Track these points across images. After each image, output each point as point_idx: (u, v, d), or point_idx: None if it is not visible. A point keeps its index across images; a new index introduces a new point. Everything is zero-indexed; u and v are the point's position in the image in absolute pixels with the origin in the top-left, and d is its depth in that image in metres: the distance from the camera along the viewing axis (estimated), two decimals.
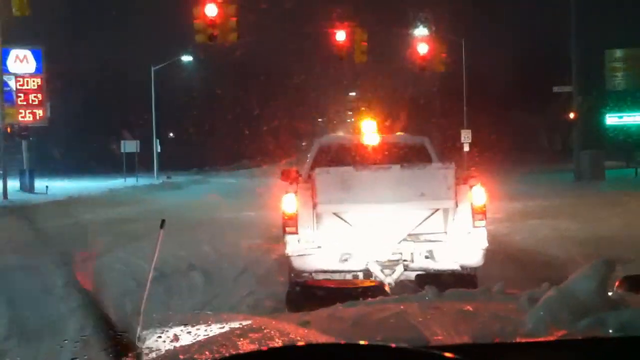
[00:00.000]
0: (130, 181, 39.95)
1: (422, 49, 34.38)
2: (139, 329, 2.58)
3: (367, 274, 7.98)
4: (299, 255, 8.04)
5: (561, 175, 34.44)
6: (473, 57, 41.89)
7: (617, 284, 3.12)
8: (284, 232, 8.17)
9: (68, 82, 45.79)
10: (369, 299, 3.57)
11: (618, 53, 43.96)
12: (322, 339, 2.49)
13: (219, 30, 22.17)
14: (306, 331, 2.64)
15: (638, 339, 2.30)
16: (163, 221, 3.17)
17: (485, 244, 8.08)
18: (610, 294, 2.84)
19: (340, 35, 28.82)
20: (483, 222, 8.08)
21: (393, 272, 7.87)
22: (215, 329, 2.74)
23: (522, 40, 47.96)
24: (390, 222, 7.98)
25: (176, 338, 2.57)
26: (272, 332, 2.64)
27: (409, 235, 8.05)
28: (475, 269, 8.12)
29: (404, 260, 7.95)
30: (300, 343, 2.40)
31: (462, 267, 8.03)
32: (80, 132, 51.07)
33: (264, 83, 58.26)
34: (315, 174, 8.04)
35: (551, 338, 2.34)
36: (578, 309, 2.51)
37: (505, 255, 11.31)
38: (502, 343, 2.36)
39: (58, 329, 7.81)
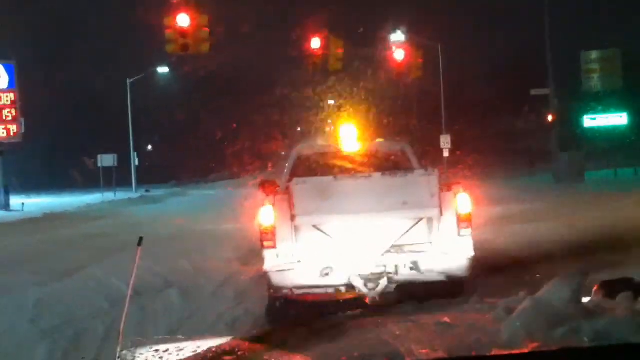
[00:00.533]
0: (108, 196, 39.44)
1: (399, 55, 34.33)
2: (118, 349, 2.56)
3: (350, 288, 7.64)
4: (278, 271, 7.68)
5: (541, 178, 34.40)
6: (452, 63, 41.90)
7: (595, 288, 3.13)
8: (262, 246, 7.82)
9: (45, 97, 45.30)
10: (348, 312, 3.60)
11: (593, 55, 44.10)
12: (297, 358, 2.45)
13: (191, 41, 21.94)
14: (281, 352, 2.61)
15: (612, 347, 2.28)
16: (141, 239, 3.23)
17: (472, 253, 7.79)
18: (588, 299, 2.92)
19: (315, 43, 28.60)
20: (469, 231, 7.78)
21: (377, 286, 7.55)
22: (188, 352, 2.74)
23: (501, 44, 48.14)
24: (373, 233, 7.66)
25: None
26: (245, 354, 2.63)
27: (393, 246, 7.73)
28: (461, 278, 7.82)
29: (388, 273, 7.63)
30: None
31: (448, 277, 7.73)
32: (58, 148, 50.55)
33: (242, 93, 58.02)
34: (293, 185, 7.69)
35: (526, 350, 2.33)
36: (553, 318, 2.56)
37: (488, 261, 11.03)
38: (478, 356, 2.35)
39: (26, 354, 7.47)
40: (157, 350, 2.81)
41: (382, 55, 36.74)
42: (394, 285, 7.67)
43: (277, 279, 7.72)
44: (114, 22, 54.84)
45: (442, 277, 7.69)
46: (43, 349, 7.44)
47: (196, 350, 2.77)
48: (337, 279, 7.68)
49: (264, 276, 7.97)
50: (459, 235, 7.76)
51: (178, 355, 2.70)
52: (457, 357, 2.37)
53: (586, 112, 43.02)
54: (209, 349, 2.76)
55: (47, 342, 7.66)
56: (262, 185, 9.68)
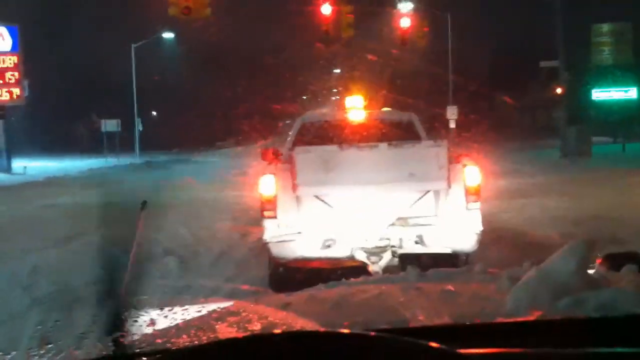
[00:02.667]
0: (111, 161, 39.27)
1: (405, 23, 33.91)
2: (122, 307, 2.49)
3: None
4: (278, 242, 7.47)
5: (547, 152, 34.07)
6: (458, 34, 41.41)
7: (598, 261, 3.11)
8: (262, 216, 7.60)
9: (48, 60, 44.97)
10: (352, 279, 3.66)
11: (604, 28, 43.57)
12: (301, 321, 2.43)
13: (192, 4, 21.72)
14: (285, 314, 2.61)
15: (616, 319, 2.26)
16: (144, 202, 3.17)
17: (480, 228, 7.56)
18: (592, 271, 2.90)
19: (326, 9, 28.22)
20: (477, 204, 7.55)
21: (380, 259, 7.33)
22: (192, 313, 2.74)
23: (508, 15, 47.56)
24: (377, 205, 7.43)
25: (153, 322, 2.52)
26: (250, 315, 2.62)
27: (398, 219, 7.49)
28: (468, 254, 7.59)
29: (392, 246, 7.40)
30: (278, 331, 2.35)
31: (454, 252, 7.50)
32: (62, 112, 50.35)
33: (247, 61, 57.55)
34: (295, 154, 7.44)
35: (530, 318, 2.32)
36: (558, 288, 2.55)
37: (494, 235, 10.82)
38: (483, 323, 2.33)
39: (18, 322, 7.29)
40: (162, 309, 2.81)
41: (389, 22, 36.29)
42: (397, 259, 7.48)
43: (277, 250, 7.52)
44: None
45: (448, 252, 7.48)
46: (35, 317, 7.27)
47: (200, 311, 2.77)
48: (339, 252, 7.47)
49: (264, 246, 7.77)
50: (466, 208, 7.52)
51: (183, 314, 2.69)
52: (461, 324, 2.34)
53: (595, 85, 42.57)
54: (214, 310, 2.77)
55: (39, 310, 7.49)
56: (264, 153, 9.45)
